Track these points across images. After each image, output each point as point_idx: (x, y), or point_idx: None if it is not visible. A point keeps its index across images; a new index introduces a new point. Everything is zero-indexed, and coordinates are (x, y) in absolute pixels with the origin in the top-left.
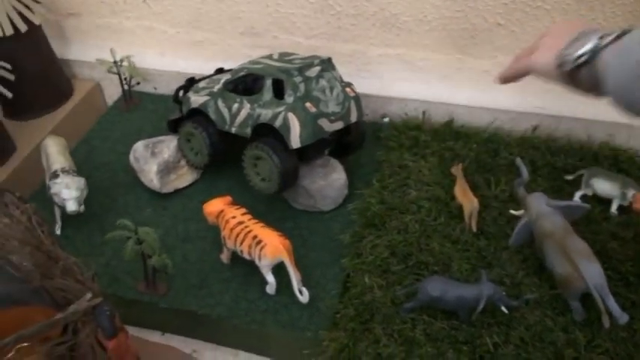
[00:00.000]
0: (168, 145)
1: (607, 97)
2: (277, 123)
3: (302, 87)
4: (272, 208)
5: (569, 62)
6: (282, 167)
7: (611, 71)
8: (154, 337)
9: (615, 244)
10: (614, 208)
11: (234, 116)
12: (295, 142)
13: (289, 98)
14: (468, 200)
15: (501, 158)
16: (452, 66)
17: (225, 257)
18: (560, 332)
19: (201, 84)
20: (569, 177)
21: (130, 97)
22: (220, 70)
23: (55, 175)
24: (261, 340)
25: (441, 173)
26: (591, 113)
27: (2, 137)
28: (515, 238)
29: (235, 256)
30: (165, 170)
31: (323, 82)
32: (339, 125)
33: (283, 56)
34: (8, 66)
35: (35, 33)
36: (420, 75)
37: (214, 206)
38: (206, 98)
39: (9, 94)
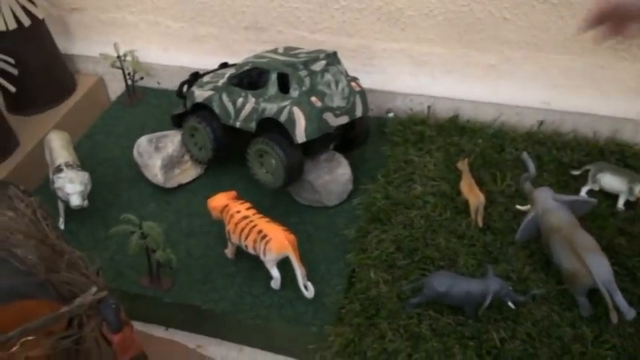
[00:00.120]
0: (172, 140)
1: None
2: (282, 117)
3: (307, 81)
4: (276, 203)
5: None
6: (288, 162)
7: None
8: (158, 332)
9: (622, 240)
10: (621, 203)
11: (238, 111)
12: (300, 136)
13: (294, 92)
14: (474, 195)
15: (507, 153)
16: (457, 61)
17: (229, 252)
18: (568, 327)
19: (206, 78)
20: (576, 172)
21: (133, 91)
22: (224, 65)
23: (58, 170)
24: (265, 335)
25: (447, 168)
26: (597, 109)
27: (5, 132)
28: (521, 234)
29: (240, 251)
30: (170, 165)
31: (328, 77)
32: (344, 120)
33: (288, 50)
34: (11, 60)
35: (38, 27)
36: (425, 70)
37: (219, 201)
38: (210, 93)
39: (12, 89)
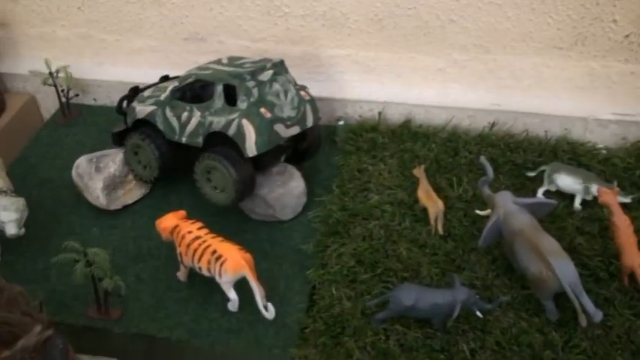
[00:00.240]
0: (113, 159)
1: None
2: (231, 131)
3: (255, 92)
4: (229, 221)
5: None
6: (238, 177)
7: None
8: None
9: (582, 240)
10: (577, 202)
11: (183, 125)
12: (251, 150)
13: (242, 104)
14: (432, 202)
15: (461, 157)
16: (406, 65)
17: (182, 275)
18: (537, 334)
19: (146, 93)
20: (531, 173)
21: (68, 109)
22: (165, 78)
23: None
24: None
25: (402, 175)
26: (546, 108)
27: None
28: (484, 239)
29: (193, 274)
30: (112, 186)
31: (277, 86)
32: (295, 130)
33: (233, 60)
34: None
35: None
36: (374, 75)
37: (168, 221)
38: (152, 108)
39: None
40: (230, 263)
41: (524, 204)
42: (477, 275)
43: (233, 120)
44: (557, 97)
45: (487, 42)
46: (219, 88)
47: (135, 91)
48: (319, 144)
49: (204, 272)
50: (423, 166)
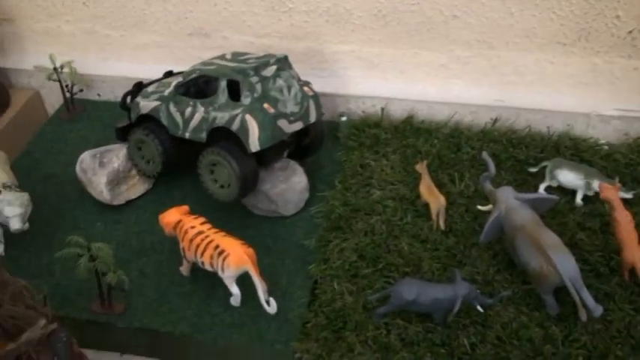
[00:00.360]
0: (117, 154)
1: None
2: (234, 126)
3: (259, 87)
4: (231, 216)
5: None
6: (241, 172)
7: None
8: (113, 359)
9: (583, 235)
10: (579, 198)
11: (187, 121)
12: (254, 145)
13: (246, 99)
14: (434, 198)
15: (463, 153)
16: (409, 61)
17: (185, 270)
18: (537, 328)
19: (150, 88)
20: (533, 169)
21: (72, 105)
22: (169, 74)
23: None
24: (228, 356)
25: (404, 171)
26: (549, 104)
27: None
28: (486, 235)
29: (196, 268)
30: (116, 181)
31: (280, 82)
32: (298, 126)
33: (237, 56)
34: None
35: None
36: (377, 71)
37: (171, 216)
38: (156, 103)
39: None
40: (233, 258)
41: (525, 199)
42: (478, 270)
43: (236, 115)
44: (559, 93)
45: (490, 38)
46: (223, 84)
47: (139, 87)
48: (322, 140)
49: (207, 267)
50: (425, 162)
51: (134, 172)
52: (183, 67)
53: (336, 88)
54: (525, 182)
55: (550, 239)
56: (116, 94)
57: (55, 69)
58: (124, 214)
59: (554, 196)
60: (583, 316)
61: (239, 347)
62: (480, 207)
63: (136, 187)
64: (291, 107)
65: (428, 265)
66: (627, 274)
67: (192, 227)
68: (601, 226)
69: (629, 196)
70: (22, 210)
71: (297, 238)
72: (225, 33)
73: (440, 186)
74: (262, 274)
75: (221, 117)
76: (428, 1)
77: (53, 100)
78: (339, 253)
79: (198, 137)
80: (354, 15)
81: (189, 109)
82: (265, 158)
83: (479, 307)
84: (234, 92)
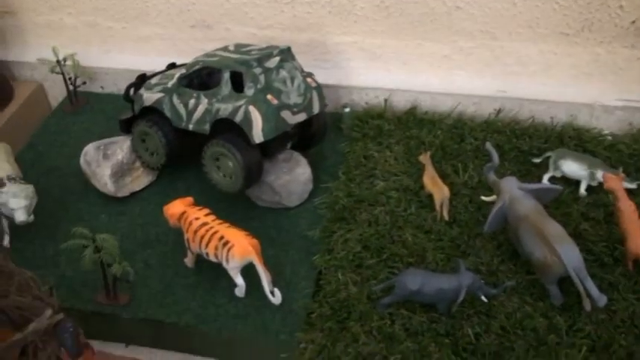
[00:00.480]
0: (121, 147)
1: None
2: (238, 117)
3: (262, 78)
4: (235, 208)
5: None
6: (245, 164)
7: None
8: (118, 349)
9: (587, 225)
10: (583, 188)
11: (190, 112)
12: (258, 136)
13: (249, 91)
14: (438, 189)
15: (467, 144)
16: (412, 52)
17: (189, 261)
18: (541, 318)
19: (154, 80)
20: (537, 160)
21: (75, 97)
22: (172, 66)
23: (0, 184)
24: (233, 346)
25: (408, 162)
26: (553, 95)
27: None
28: (490, 225)
29: (200, 260)
30: (120, 173)
31: (283, 73)
32: (301, 117)
33: (240, 47)
34: None
35: None
36: (380, 63)
37: (175, 208)
38: (160, 95)
39: None
40: (237, 249)
41: (529, 190)
42: (482, 260)
43: (240, 107)
44: (563, 83)
45: (493, 28)
46: (226, 75)
47: (142, 79)
48: (325, 131)
49: (212, 258)
50: (428, 153)
51: (138, 164)
52: (186, 59)
53: (339, 79)
54: (529, 173)
55: (554, 229)
56: (119, 87)
57: (58, 62)
58: (129, 206)
59: (558, 187)
60: (587, 305)
61: (243, 338)
62: (483, 197)
63: (140, 179)
64: (295, 98)
65: (432, 255)
66: (631, 264)
67: (197, 218)
68: (605, 216)
69: (632, 186)
70: (27, 202)
71: (301, 229)
72: (227, 25)
73: (443, 177)
74: (267, 264)
75: (224, 108)
76: None
77: (56, 92)
78: (344, 244)
79: (202, 129)
80: (356, 6)
81: (192, 101)
82: (269, 149)
83: (483, 297)
84: (238, 84)
